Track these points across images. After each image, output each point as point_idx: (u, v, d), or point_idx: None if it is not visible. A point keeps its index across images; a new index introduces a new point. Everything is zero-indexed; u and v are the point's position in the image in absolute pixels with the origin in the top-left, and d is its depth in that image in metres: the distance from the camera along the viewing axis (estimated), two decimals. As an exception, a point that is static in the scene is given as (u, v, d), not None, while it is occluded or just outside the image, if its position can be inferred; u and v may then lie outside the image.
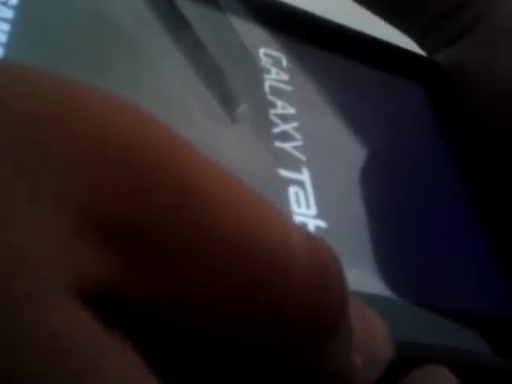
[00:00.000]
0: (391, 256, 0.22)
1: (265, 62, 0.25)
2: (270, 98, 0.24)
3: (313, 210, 0.21)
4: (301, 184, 0.22)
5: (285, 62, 0.26)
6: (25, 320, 0.10)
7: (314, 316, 0.13)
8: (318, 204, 0.22)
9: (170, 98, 0.22)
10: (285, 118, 0.24)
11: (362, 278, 0.21)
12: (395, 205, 0.24)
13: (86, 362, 0.11)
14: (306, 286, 0.13)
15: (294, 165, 0.22)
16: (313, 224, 0.21)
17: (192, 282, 0.12)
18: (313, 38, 0.28)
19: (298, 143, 0.23)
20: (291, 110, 0.24)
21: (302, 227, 0.14)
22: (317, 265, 0.13)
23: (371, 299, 0.16)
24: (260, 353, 0.13)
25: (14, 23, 0.20)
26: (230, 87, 0.23)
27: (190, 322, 0.12)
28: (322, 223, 0.21)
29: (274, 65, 0.26)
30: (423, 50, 0.32)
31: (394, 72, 0.30)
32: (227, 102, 0.23)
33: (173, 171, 0.12)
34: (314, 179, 0.22)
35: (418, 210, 0.25)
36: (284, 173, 0.22)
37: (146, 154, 0.12)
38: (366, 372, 0.15)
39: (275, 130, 0.23)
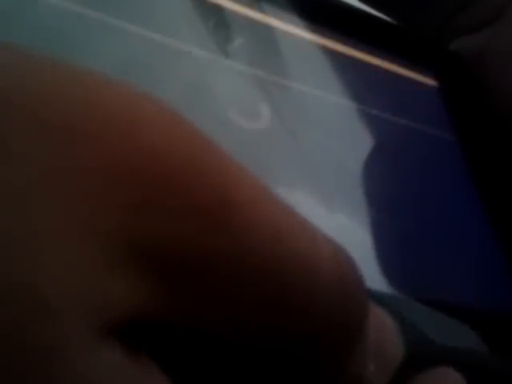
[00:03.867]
0: (397, 254, 0.22)
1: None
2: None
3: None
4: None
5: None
6: (55, 373, 0.10)
7: (339, 323, 0.13)
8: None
9: (164, 28, 0.21)
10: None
11: (369, 275, 0.20)
12: (403, 202, 0.24)
13: None
14: (332, 296, 0.13)
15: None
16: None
17: (230, 302, 0.11)
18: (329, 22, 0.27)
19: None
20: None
21: (328, 236, 0.13)
22: (342, 275, 0.13)
23: (377, 297, 0.16)
24: (285, 357, 0.13)
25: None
26: (226, 21, 0.22)
27: (221, 333, 0.12)
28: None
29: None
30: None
31: (405, 58, 0.29)
32: (222, 35, 0.22)
33: (209, 189, 0.11)
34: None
35: (427, 207, 0.24)
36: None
37: (181, 172, 0.11)
38: (376, 376, 0.15)
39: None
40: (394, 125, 0.26)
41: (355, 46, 0.27)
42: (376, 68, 0.27)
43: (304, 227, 0.13)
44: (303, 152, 0.22)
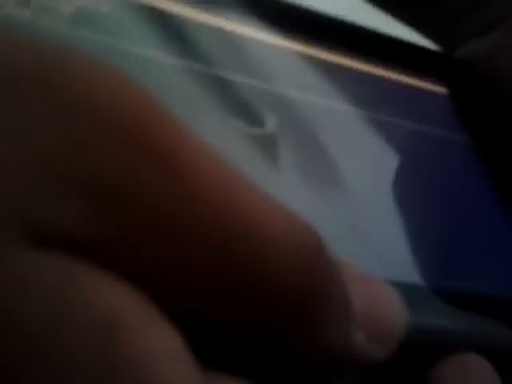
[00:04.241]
0: (417, 242, 0.22)
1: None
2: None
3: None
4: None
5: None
6: None
7: (297, 297, 0.13)
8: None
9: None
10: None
11: (388, 265, 0.20)
12: (423, 198, 0.24)
13: (58, 290, 0.11)
14: (286, 263, 0.13)
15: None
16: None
17: (168, 248, 0.12)
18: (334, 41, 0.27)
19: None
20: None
21: (286, 207, 0.13)
22: (297, 242, 0.13)
23: (398, 286, 0.16)
24: (244, 334, 0.13)
25: None
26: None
27: (166, 288, 0.12)
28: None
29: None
30: (441, 45, 0.32)
31: (413, 71, 0.29)
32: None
33: (156, 141, 0.12)
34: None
35: (454, 215, 0.24)
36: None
37: (129, 118, 0.12)
38: (371, 347, 0.15)
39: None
40: (403, 131, 0.26)
41: (362, 60, 0.28)
42: (384, 80, 0.28)
43: (258, 196, 0.13)
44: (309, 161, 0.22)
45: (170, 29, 0.21)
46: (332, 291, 0.14)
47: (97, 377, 0.10)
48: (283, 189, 0.21)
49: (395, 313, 0.15)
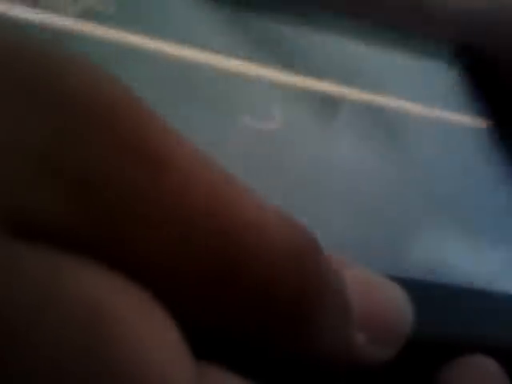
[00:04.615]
0: (442, 245, 0.22)
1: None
2: None
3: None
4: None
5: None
6: None
7: (291, 301, 0.13)
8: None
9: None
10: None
11: (395, 262, 0.20)
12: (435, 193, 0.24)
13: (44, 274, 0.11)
14: (281, 268, 0.13)
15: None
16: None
17: (155, 247, 0.12)
18: None
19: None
20: None
21: (278, 209, 0.13)
22: (292, 247, 0.13)
23: (406, 284, 0.16)
24: (239, 340, 0.13)
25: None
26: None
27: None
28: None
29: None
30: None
31: (426, 57, 0.29)
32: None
33: (147, 139, 0.12)
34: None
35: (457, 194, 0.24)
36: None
37: (123, 117, 0.12)
38: (373, 349, 0.15)
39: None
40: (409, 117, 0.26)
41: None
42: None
43: (250, 198, 0.13)
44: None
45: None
46: (327, 295, 0.14)
47: (83, 368, 0.10)
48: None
49: (399, 312, 0.15)
